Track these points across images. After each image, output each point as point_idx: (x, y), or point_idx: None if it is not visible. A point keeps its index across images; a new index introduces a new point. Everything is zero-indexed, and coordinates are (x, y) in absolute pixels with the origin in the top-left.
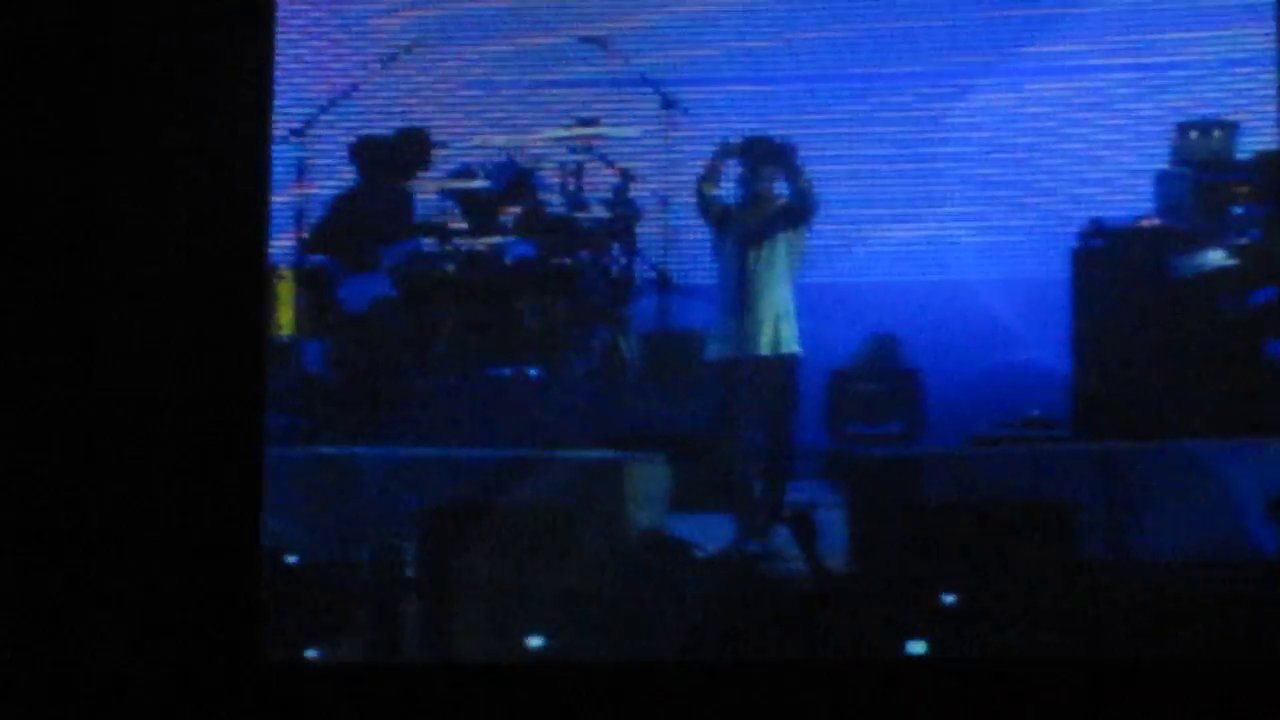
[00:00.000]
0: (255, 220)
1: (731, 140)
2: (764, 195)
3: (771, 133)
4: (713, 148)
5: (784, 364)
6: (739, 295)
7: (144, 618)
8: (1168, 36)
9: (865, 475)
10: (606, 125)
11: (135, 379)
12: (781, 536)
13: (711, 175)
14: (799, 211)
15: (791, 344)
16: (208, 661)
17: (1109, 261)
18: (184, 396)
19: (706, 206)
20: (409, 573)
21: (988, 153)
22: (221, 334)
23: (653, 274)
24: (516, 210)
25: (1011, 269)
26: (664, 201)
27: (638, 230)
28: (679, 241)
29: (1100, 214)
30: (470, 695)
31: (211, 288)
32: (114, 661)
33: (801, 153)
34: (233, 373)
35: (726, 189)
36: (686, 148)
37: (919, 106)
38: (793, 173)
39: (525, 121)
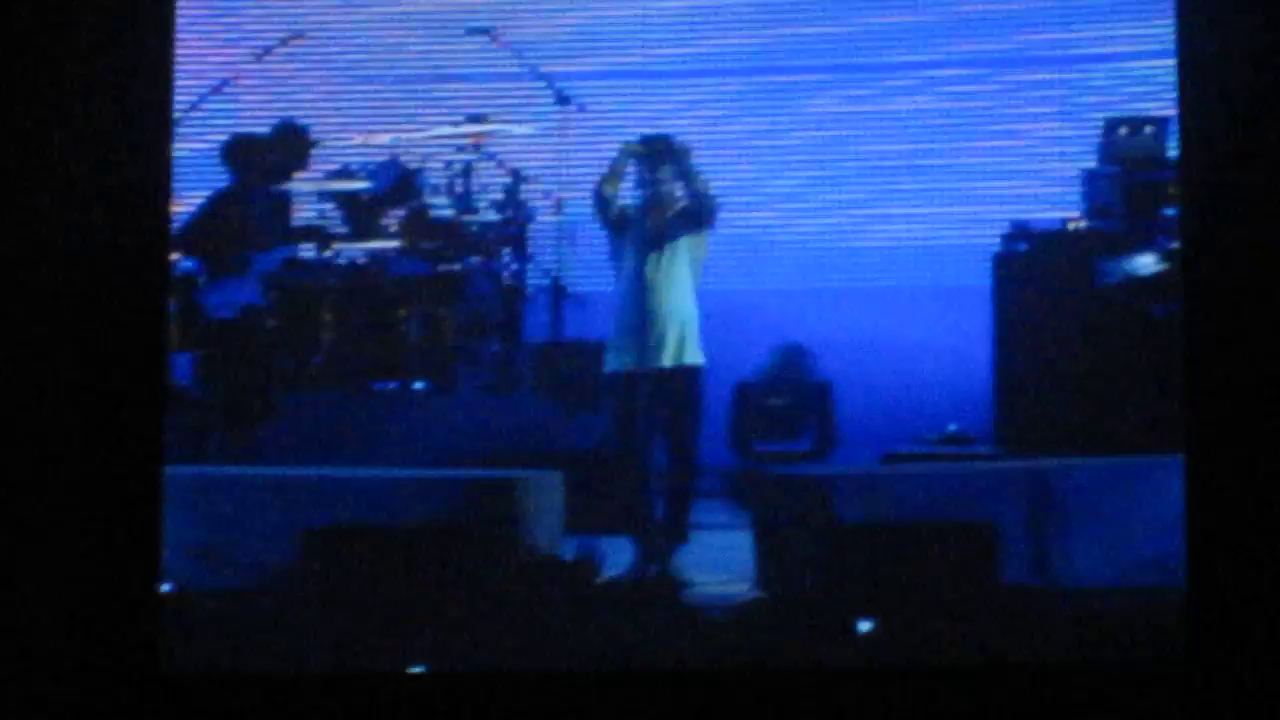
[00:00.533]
0: (154, 232)
1: (632, 141)
2: (663, 198)
3: (671, 132)
4: (610, 147)
5: (686, 376)
6: (638, 304)
7: (38, 638)
8: (1094, 31)
9: (773, 495)
10: (497, 123)
11: (27, 389)
12: (685, 559)
13: (613, 176)
14: (699, 215)
15: (694, 355)
16: (105, 676)
17: (1032, 267)
18: (77, 412)
19: (605, 209)
20: (290, 598)
21: (904, 154)
22: (116, 346)
23: (547, 281)
24: (401, 213)
25: (930, 275)
26: (558, 204)
27: (530, 234)
28: (575, 246)
29: (1023, 217)
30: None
31: (107, 296)
32: (10, 678)
33: (702, 153)
34: (130, 385)
35: (626, 191)
36: (582, 147)
37: (831, 107)
38: (691, 175)
39: (410, 118)
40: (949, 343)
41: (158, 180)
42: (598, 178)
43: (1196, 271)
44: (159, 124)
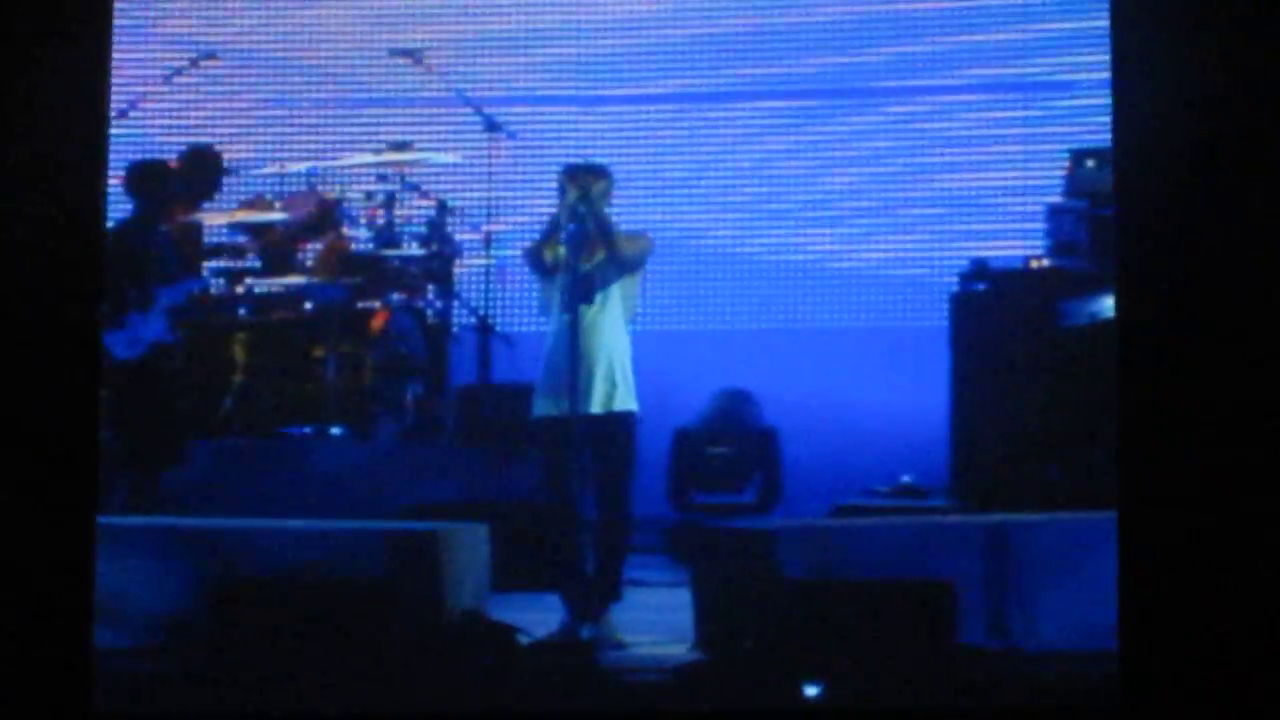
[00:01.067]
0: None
1: (571, 195)
2: (593, 236)
3: (607, 160)
4: (542, 176)
5: (619, 423)
6: (568, 345)
7: None
8: (1059, 61)
9: (714, 549)
10: (421, 151)
11: None
12: (620, 617)
13: (552, 242)
14: (632, 254)
15: (627, 400)
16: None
17: (992, 307)
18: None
19: (539, 266)
20: (193, 658)
21: (855, 189)
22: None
23: (473, 320)
24: (318, 246)
25: (882, 316)
26: (486, 238)
27: (456, 270)
28: (503, 284)
29: (983, 254)
30: None
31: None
32: None
33: (637, 186)
34: (61, 413)
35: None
36: (511, 177)
37: (777, 142)
38: (605, 223)
39: (329, 145)
40: (902, 388)
41: (91, 208)
42: (531, 243)
43: (1131, 315)
44: (93, 152)
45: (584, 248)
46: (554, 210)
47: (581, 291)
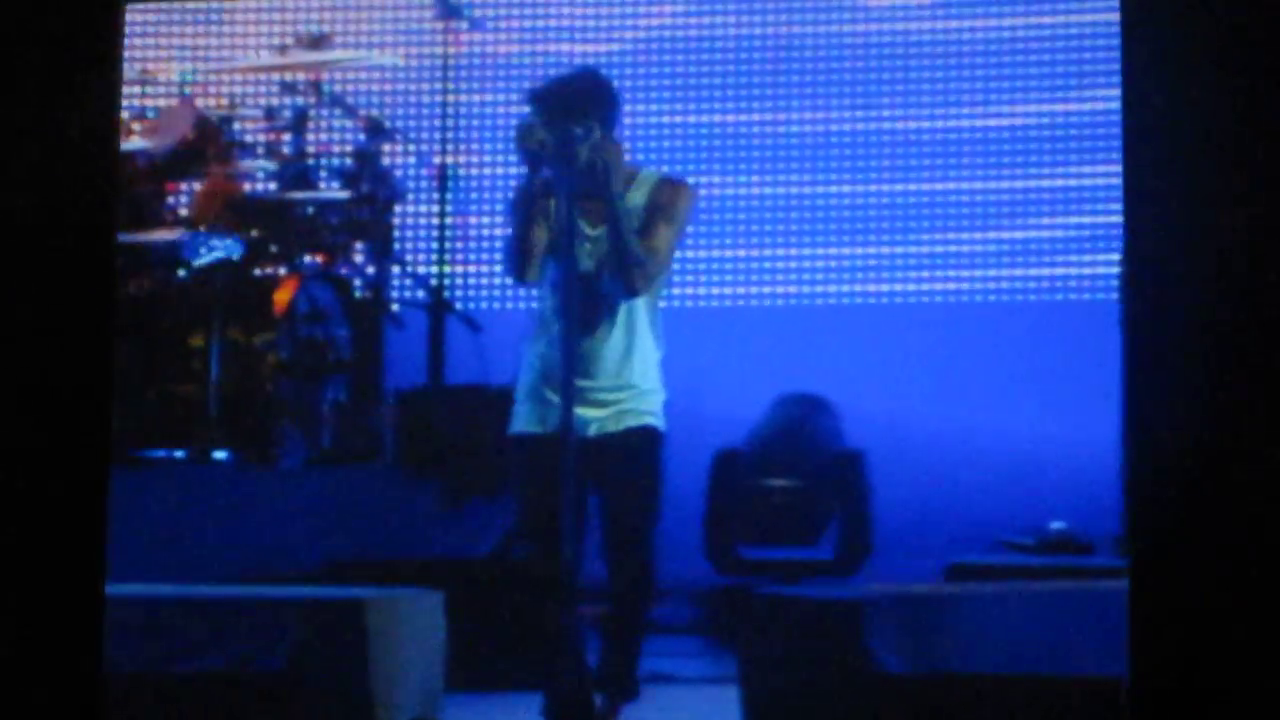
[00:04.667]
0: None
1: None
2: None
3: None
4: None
5: (638, 445)
6: (566, 334)
7: None
8: None
9: (772, 628)
10: (345, 48)
11: None
12: None
13: (533, 217)
14: (665, 229)
15: (651, 414)
16: None
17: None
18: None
19: (524, 278)
20: None
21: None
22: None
23: (421, 294)
24: (194, 187)
25: (1025, 287)
26: (441, 173)
27: (396, 221)
28: (465, 239)
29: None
30: None
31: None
32: None
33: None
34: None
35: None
36: (478, 84)
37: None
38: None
39: (216, 43)
40: (1051, 395)
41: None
42: (508, 240)
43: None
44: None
45: (592, 207)
46: (527, 166)
47: (587, 259)
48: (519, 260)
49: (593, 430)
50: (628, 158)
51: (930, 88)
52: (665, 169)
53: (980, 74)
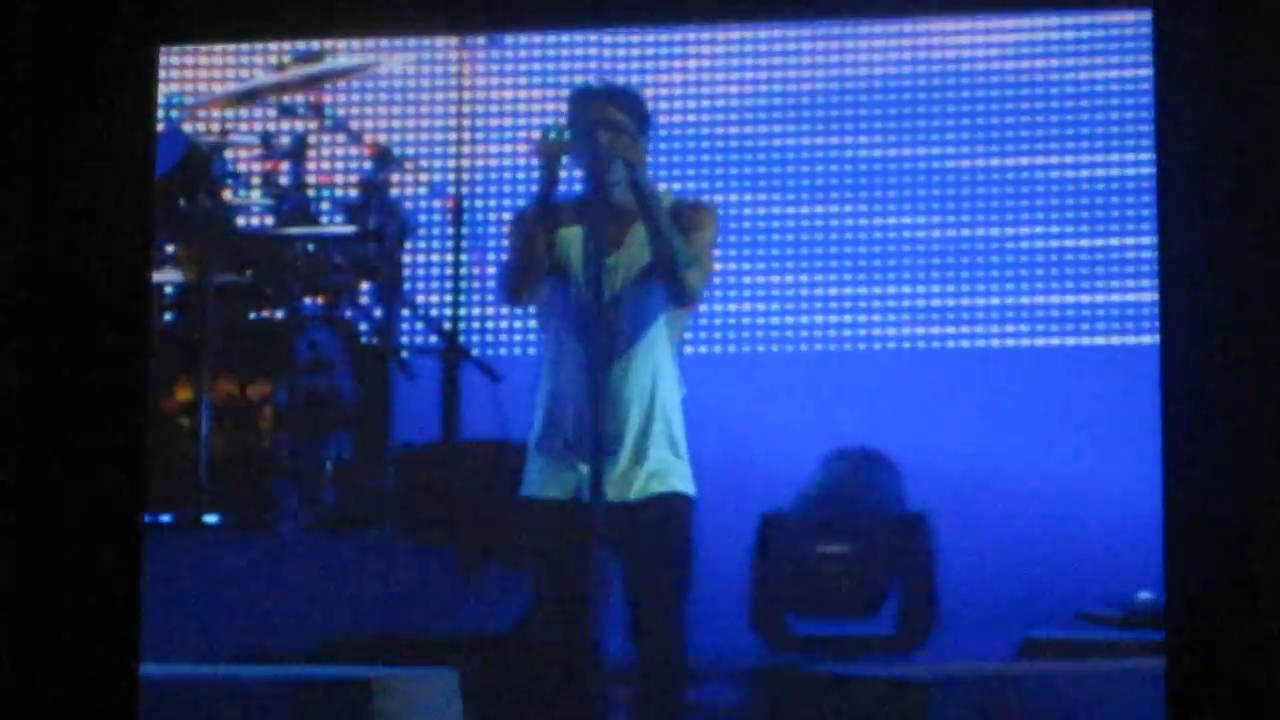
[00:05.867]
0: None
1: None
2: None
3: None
4: (551, 108)
5: (667, 513)
6: (586, 391)
7: None
8: None
9: (828, 712)
10: (349, 60)
11: None
12: None
13: (531, 265)
14: (680, 286)
15: (678, 478)
16: None
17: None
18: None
19: (517, 300)
20: None
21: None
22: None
23: (433, 339)
24: (184, 220)
25: (1105, 324)
26: (456, 209)
27: (406, 258)
28: (483, 279)
29: None
30: None
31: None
32: None
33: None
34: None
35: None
36: (498, 107)
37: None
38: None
39: (194, 65)
40: (1135, 454)
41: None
42: (504, 261)
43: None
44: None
45: (603, 244)
46: (544, 177)
47: (607, 317)
48: (518, 278)
49: (612, 494)
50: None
51: (1003, 131)
52: (677, 186)
53: (1056, 119)
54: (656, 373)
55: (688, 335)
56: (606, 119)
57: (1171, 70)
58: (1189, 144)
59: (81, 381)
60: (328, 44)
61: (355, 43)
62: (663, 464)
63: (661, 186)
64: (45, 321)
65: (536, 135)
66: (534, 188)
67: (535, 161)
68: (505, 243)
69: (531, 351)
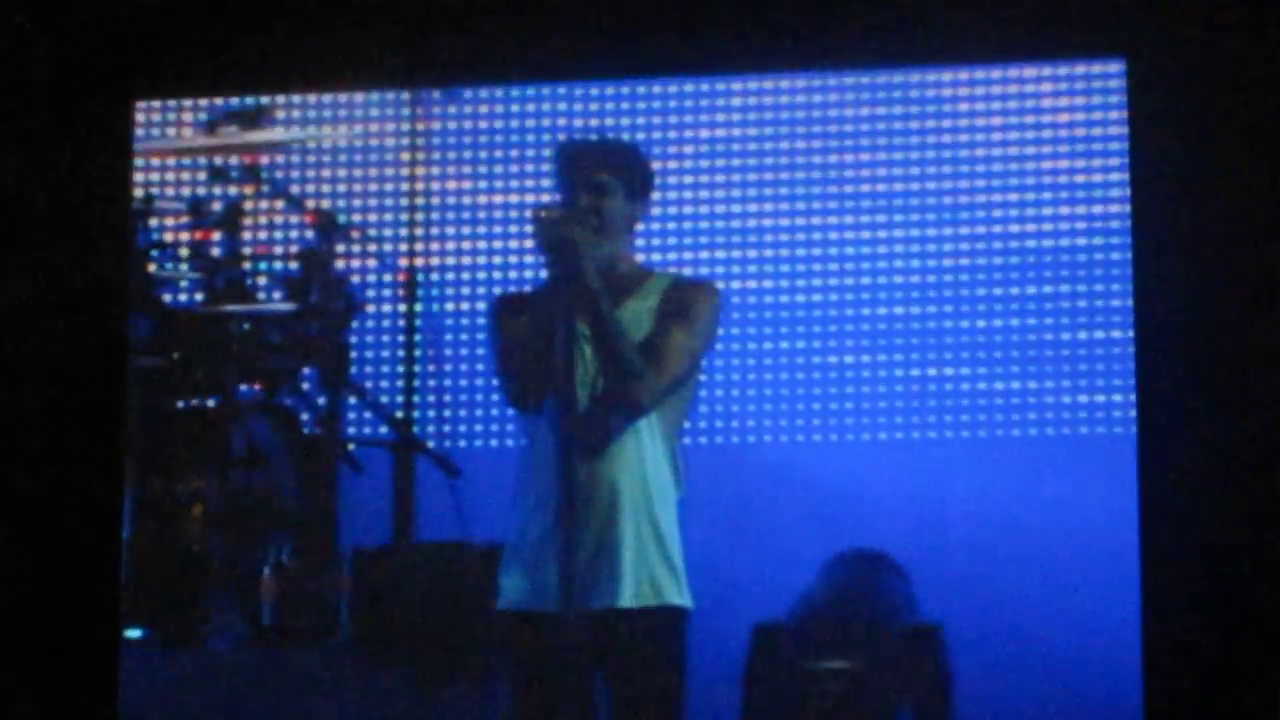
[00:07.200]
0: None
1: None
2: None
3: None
4: (510, 170)
5: (659, 627)
6: (566, 487)
7: None
8: None
9: None
10: (289, 126)
11: None
12: None
13: (532, 386)
14: (687, 349)
15: (671, 587)
16: None
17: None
18: None
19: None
20: None
21: None
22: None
23: (384, 429)
24: None
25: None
26: (409, 283)
27: (353, 338)
28: (440, 361)
29: None
30: None
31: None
32: None
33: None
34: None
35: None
36: (455, 168)
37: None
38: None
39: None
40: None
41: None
42: (509, 370)
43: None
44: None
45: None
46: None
47: (590, 403)
48: (523, 383)
49: (597, 603)
50: (641, 258)
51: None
52: (685, 270)
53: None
54: (645, 468)
55: (686, 425)
56: (590, 182)
57: (1144, 118)
58: (1162, 192)
59: (54, 441)
60: (267, 102)
61: (296, 113)
62: (655, 570)
63: (667, 270)
64: (17, 369)
65: (533, 214)
66: (545, 273)
67: (538, 243)
68: (501, 336)
69: (494, 444)
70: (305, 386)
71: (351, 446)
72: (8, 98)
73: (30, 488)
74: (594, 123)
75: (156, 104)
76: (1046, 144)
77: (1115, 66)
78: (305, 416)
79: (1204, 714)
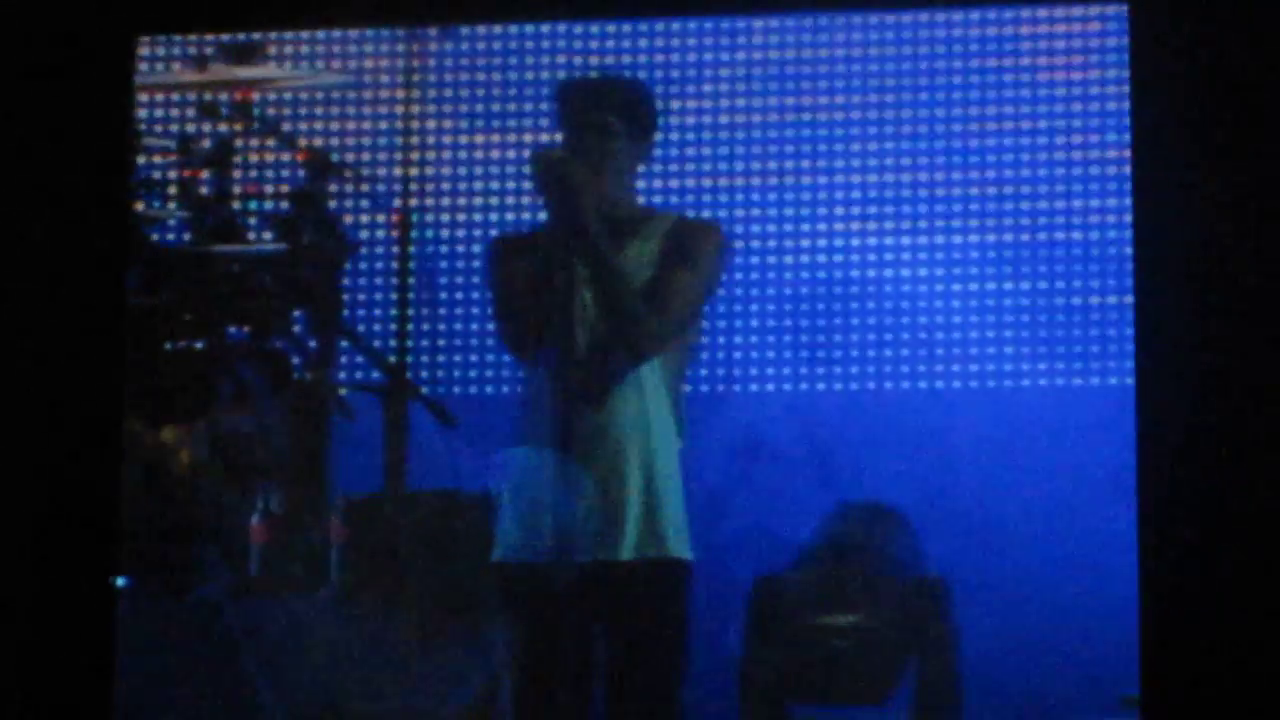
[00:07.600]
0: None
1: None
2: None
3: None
4: (509, 110)
5: (660, 580)
6: (564, 436)
7: None
8: None
9: None
10: (280, 61)
11: None
12: None
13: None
14: (688, 294)
15: (674, 539)
16: None
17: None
18: None
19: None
20: None
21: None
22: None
23: (377, 374)
24: None
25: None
26: (403, 222)
27: (346, 281)
28: (435, 305)
29: None
30: None
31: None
32: None
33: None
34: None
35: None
36: (451, 108)
37: None
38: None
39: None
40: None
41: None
42: (506, 314)
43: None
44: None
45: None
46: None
47: (592, 348)
48: (520, 328)
49: (599, 554)
50: (643, 200)
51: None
52: (689, 212)
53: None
54: (648, 417)
55: (689, 372)
56: (591, 123)
57: (1146, 66)
58: (1165, 141)
59: (49, 381)
60: (259, 37)
61: (289, 48)
62: (658, 522)
63: (670, 211)
64: (7, 314)
65: (533, 155)
66: (542, 214)
67: (537, 184)
68: (498, 280)
69: (489, 390)
70: (296, 329)
71: (343, 391)
72: (7, 33)
73: (28, 425)
74: (595, 61)
75: (146, 39)
76: (1058, 86)
77: (1114, 8)
78: (296, 360)
79: (1205, 664)
